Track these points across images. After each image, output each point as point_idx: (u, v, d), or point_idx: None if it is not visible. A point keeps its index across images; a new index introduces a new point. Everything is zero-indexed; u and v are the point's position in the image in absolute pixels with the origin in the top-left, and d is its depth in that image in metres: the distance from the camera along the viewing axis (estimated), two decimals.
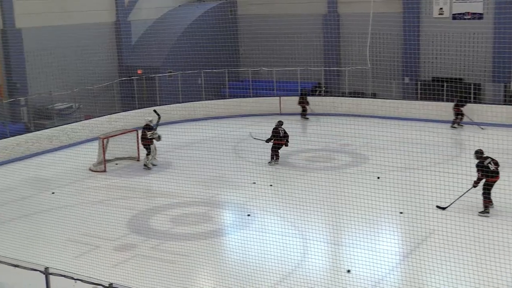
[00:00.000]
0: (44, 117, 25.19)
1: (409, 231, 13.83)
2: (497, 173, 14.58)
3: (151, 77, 28.51)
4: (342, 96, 28.10)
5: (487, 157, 14.76)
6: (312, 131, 23.69)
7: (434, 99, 25.63)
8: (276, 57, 30.15)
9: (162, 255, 13.52)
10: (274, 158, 20.33)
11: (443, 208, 14.77)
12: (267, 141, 20.46)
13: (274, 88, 29.27)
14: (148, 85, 28.53)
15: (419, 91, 26.95)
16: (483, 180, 14.56)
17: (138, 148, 21.46)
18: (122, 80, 28.56)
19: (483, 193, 14.59)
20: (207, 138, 22.62)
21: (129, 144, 21.46)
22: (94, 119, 25.26)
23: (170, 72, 29.17)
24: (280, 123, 20.65)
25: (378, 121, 24.96)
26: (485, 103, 25.24)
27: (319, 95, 29.01)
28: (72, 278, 9.30)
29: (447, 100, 24.96)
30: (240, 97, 28.88)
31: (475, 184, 14.59)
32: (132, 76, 28.37)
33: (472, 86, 25.33)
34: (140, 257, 13.36)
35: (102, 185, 19.03)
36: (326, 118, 25.45)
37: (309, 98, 27.78)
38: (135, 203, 16.96)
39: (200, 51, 29.38)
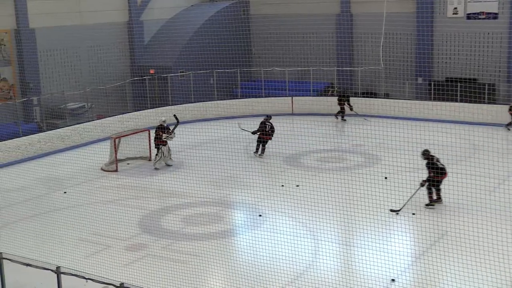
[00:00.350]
0: (56, 117, 25.35)
1: (421, 233, 13.78)
2: (445, 170, 15.51)
3: (163, 76, 28.60)
4: (355, 96, 28.02)
5: (434, 156, 15.66)
6: (324, 132, 23.63)
7: (448, 100, 25.49)
8: (289, 57, 30.15)
9: (173, 255, 13.55)
10: (259, 151, 21.15)
11: (397, 212, 14.94)
12: (253, 133, 21.37)
13: (286, 88, 29.26)
14: (160, 84, 28.62)
15: (432, 92, 26.82)
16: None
17: (150, 148, 21.53)
18: (134, 79, 28.68)
19: (429, 190, 15.43)
20: (218, 138, 22.62)
21: (141, 144, 21.54)
22: (106, 118, 25.38)
23: (182, 72, 29.24)
24: (268, 118, 21.56)
25: (390, 121, 24.84)
26: (499, 104, 25.08)
27: (332, 95, 28.95)
28: (84, 278, 9.35)
29: (461, 101, 24.81)
30: (252, 97, 28.90)
31: (423, 183, 15.33)
32: (144, 76, 28.48)
33: (486, 87, 25.18)
34: (151, 257, 13.41)
35: (113, 184, 19.11)
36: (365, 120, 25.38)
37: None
38: (146, 203, 17.02)
39: (212, 51, 29.40)
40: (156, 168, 20.28)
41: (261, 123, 21.46)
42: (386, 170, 18.06)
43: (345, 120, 26.82)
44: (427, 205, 15.45)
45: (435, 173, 15.24)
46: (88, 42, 28.16)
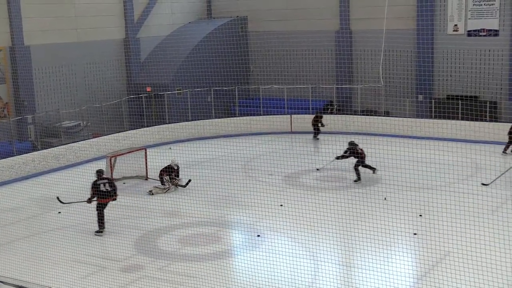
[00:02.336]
0: (51, 135, 25.39)
1: (423, 253, 13.75)
2: None
3: (160, 94, 28.69)
4: (354, 114, 28.09)
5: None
6: (323, 150, 23.66)
7: (449, 118, 25.54)
8: (287, 74, 30.28)
9: (170, 277, 13.50)
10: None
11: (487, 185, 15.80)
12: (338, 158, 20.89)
13: (285, 106, 29.34)
14: (157, 102, 28.70)
15: (433, 109, 26.90)
16: None
17: (146, 166, 21.53)
18: (130, 97, 28.76)
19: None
20: (216, 157, 22.67)
21: (137, 163, 21.54)
22: (102, 137, 25.41)
23: (179, 90, 29.33)
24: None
25: (391, 140, 24.90)
26: (501, 122, 25.15)
27: (331, 113, 29.03)
28: None
29: (462, 119, 24.88)
30: (250, 115, 28.97)
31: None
32: (140, 94, 28.57)
33: (488, 104, 25.27)
34: (147, 279, 13.36)
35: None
36: (338, 136, 25.44)
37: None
38: (142, 223, 16.98)
39: (210, 69, 29.56)
40: (150, 193, 20.06)
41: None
42: (386, 189, 18.07)
43: (318, 139, 26.89)
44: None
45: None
46: (84, 60, 28.28)
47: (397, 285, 12.17)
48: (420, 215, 15.46)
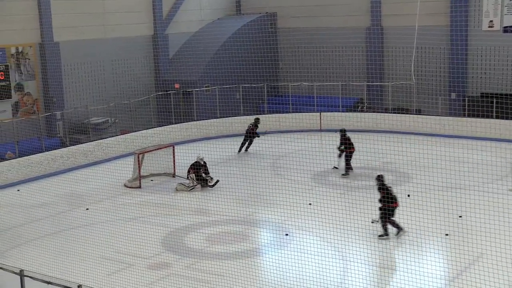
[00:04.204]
0: (79, 132, 25.66)
1: (455, 254, 13.58)
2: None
3: (189, 91, 28.79)
4: (385, 112, 27.86)
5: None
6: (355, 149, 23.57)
7: (483, 116, 25.19)
8: (317, 71, 30.15)
9: (197, 275, 13.55)
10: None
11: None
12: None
13: (314, 103, 29.23)
14: (185, 99, 28.81)
15: (466, 108, 26.56)
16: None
17: (174, 164, 21.63)
18: (158, 94, 28.93)
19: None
20: (244, 155, 22.69)
21: (165, 160, 21.64)
22: (130, 134, 25.57)
23: (208, 87, 29.40)
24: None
25: (422, 138, 24.64)
26: None
27: (361, 111, 28.84)
28: None
29: (497, 117, 24.53)
30: (280, 112, 28.91)
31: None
32: (169, 91, 28.71)
33: None
34: (174, 276, 13.42)
35: (136, 201, 19.22)
36: (368, 135, 25.29)
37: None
38: (170, 221, 17.06)
39: (239, 65, 29.55)
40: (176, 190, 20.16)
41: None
42: (418, 188, 17.90)
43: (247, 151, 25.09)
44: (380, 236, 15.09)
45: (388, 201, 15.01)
46: (112, 56, 28.52)
47: (428, 287, 12.05)
48: (460, 216, 15.29)
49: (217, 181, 20.10)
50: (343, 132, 21.08)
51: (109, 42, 28.29)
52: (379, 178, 15.46)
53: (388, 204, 14.79)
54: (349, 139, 21.01)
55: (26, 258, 14.27)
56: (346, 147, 20.90)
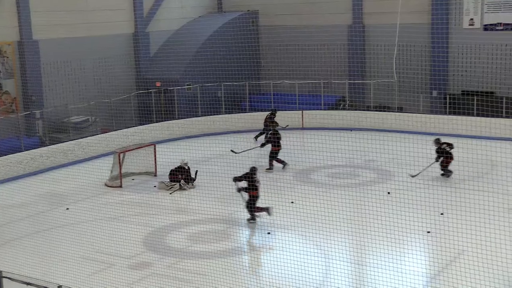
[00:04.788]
0: (59, 131, 25.47)
1: (437, 251, 13.69)
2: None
3: (170, 90, 28.71)
4: (367, 110, 27.99)
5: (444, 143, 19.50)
6: (334, 146, 23.62)
7: (464, 114, 25.40)
8: (299, 69, 30.20)
9: (178, 274, 13.52)
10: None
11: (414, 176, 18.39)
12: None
13: (296, 101, 29.28)
14: (166, 98, 28.73)
15: (447, 105, 26.77)
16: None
17: (155, 163, 21.57)
18: (139, 92, 28.80)
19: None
20: (226, 153, 22.67)
21: (146, 159, 21.57)
22: (110, 133, 25.45)
23: (189, 85, 29.34)
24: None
25: (404, 136, 24.77)
26: None
27: (343, 109, 28.95)
28: None
29: (478, 115, 24.75)
30: (261, 110, 28.92)
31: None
32: (150, 89, 28.60)
33: (504, 100, 25.09)
34: (155, 276, 13.39)
35: (117, 201, 19.14)
36: (350, 132, 25.39)
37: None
38: (151, 220, 17.02)
39: (220, 63, 29.53)
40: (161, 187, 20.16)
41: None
42: (399, 186, 18.01)
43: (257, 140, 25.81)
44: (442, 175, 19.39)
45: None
46: (92, 54, 28.34)
47: (410, 284, 12.13)
48: (442, 214, 15.41)
49: (196, 171, 20.05)
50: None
51: (90, 40, 28.10)
52: (253, 170, 16.78)
53: (252, 192, 16.31)
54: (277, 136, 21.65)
55: (5, 259, 14.16)
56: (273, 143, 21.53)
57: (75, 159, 23.75)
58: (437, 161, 19.59)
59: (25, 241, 15.73)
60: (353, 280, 13.19)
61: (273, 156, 21.62)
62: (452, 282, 11.92)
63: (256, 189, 16.42)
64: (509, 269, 11.53)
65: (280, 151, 21.70)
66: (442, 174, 19.73)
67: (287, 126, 26.25)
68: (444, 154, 19.53)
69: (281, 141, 21.76)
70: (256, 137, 25.61)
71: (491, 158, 20.68)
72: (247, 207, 16.44)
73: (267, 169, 21.27)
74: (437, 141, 19.87)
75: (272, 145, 21.72)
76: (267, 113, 26.09)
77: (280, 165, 21.65)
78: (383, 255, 13.69)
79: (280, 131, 22.55)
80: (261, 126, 25.95)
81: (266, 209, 16.28)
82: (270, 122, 25.21)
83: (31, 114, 25.41)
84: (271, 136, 21.86)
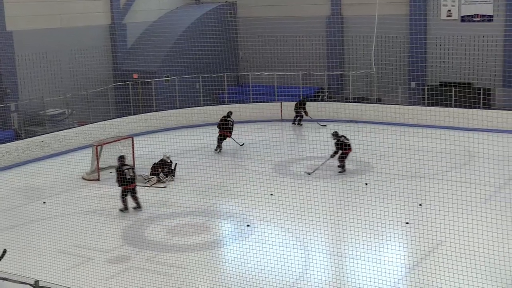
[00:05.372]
0: (35, 124, 25.23)
1: (415, 242, 13.82)
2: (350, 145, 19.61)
3: (147, 81, 28.57)
4: (346, 101, 28.10)
5: (342, 136, 19.75)
6: (313, 138, 23.72)
7: (442, 105, 25.61)
8: (277, 61, 30.21)
9: (157, 267, 13.51)
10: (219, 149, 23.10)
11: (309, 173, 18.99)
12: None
13: (275, 93, 29.30)
14: (144, 90, 28.58)
15: (426, 96, 26.97)
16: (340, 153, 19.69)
17: (133, 155, 21.46)
18: (117, 85, 28.61)
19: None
20: (205, 145, 22.64)
21: (124, 152, 21.40)
22: (87, 125, 25.29)
23: (167, 77, 29.21)
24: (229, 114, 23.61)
25: (383, 127, 24.92)
26: (495, 109, 25.24)
27: (322, 100, 29.04)
28: None
29: (455, 106, 24.96)
30: (240, 102, 28.92)
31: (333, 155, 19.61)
32: (127, 81, 28.44)
33: (481, 91, 25.34)
34: (134, 270, 13.35)
35: (95, 194, 19.03)
36: (329, 124, 25.49)
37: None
38: (129, 213, 16.96)
39: (198, 55, 29.44)
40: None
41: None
42: (379, 177, 18.15)
43: (302, 124, 27.27)
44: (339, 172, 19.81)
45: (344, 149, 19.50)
46: (68, 46, 28.08)
47: (389, 275, 12.23)
48: (420, 205, 15.54)
49: (175, 164, 20.02)
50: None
51: (65, 31, 27.83)
52: (120, 159, 17.36)
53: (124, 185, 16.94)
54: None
55: None
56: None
57: (52, 152, 23.56)
58: (333, 156, 19.69)
59: (1, 236, 15.58)
60: (332, 272, 13.27)
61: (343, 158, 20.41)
62: (430, 272, 12.06)
63: (128, 182, 16.85)
64: (487, 258, 11.68)
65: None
66: (339, 168, 19.98)
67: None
68: (343, 147, 19.59)
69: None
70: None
71: (469, 149, 20.88)
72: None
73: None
74: (335, 134, 19.94)
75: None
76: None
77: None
78: (362, 246, 13.79)
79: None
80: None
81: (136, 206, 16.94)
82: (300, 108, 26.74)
83: (6, 107, 25.14)
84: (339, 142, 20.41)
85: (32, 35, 26.60)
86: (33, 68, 26.76)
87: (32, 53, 26.77)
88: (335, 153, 19.77)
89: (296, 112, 27.44)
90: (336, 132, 20.05)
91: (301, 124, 27.43)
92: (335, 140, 19.81)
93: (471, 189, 14.05)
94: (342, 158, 19.95)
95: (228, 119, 23.52)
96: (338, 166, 20.12)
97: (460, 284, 11.15)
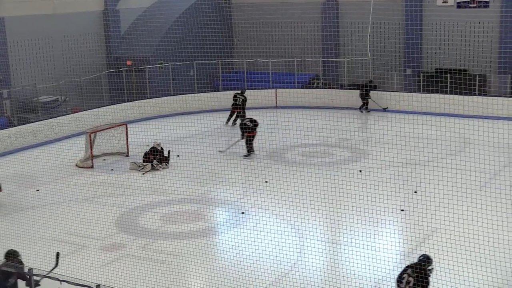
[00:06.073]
0: (28, 111, 25.13)
1: (410, 229, 13.86)
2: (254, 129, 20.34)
3: (141, 68, 28.45)
4: (341, 88, 28.07)
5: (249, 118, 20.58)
6: (309, 125, 23.72)
7: (438, 92, 25.63)
8: (272, 47, 30.13)
9: (152, 255, 13.52)
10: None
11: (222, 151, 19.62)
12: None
13: (270, 80, 29.25)
14: (137, 77, 28.48)
15: (421, 83, 26.97)
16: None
17: (127, 143, 21.44)
18: (110, 71, 28.49)
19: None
20: (199, 133, 22.61)
21: (118, 139, 21.42)
22: (81, 112, 25.21)
23: (161, 63, 29.10)
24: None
25: (378, 114, 24.97)
26: (490, 96, 25.27)
27: (317, 87, 28.99)
28: (58, 280, 9.29)
29: (451, 93, 24.97)
30: (234, 89, 28.84)
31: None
32: (121, 68, 28.32)
33: (477, 78, 25.35)
34: (129, 257, 13.37)
35: (89, 181, 19.01)
36: (324, 111, 25.47)
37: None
38: (123, 201, 16.95)
39: (193, 41, 29.30)
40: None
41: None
42: (374, 165, 18.17)
43: (369, 111, 26.63)
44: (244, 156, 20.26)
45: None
46: (61, 32, 27.91)
47: (384, 262, 12.29)
48: (415, 192, 15.58)
49: (169, 151, 20.02)
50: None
51: (58, 18, 27.65)
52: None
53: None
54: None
55: None
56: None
57: (45, 139, 23.47)
58: (242, 138, 20.54)
59: None
60: (327, 259, 13.31)
61: None
62: None
63: None
64: (482, 245, 11.73)
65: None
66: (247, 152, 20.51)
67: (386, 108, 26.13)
68: (247, 130, 20.29)
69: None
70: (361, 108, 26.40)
71: (464, 136, 20.93)
72: None
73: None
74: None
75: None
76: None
77: None
78: (357, 233, 13.83)
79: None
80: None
81: None
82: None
83: None
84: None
85: (24, 21, 26.41)
86: (25, 55, 26.59)
87: (25, 39, 26.60)
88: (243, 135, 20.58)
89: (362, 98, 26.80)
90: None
91: (369, 111, 26.71)
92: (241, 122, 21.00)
93: (467, 176, 14.09)
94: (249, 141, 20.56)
95: (238, 95, 24.13)
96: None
97: (455, 270, 11.20)
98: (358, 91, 26.91)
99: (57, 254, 9.99)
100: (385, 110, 25.95)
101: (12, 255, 10.44)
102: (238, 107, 24.40)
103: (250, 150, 20.43)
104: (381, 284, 11.69)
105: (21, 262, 10.46)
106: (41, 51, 27.22)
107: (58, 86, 25.90)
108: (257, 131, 20.56)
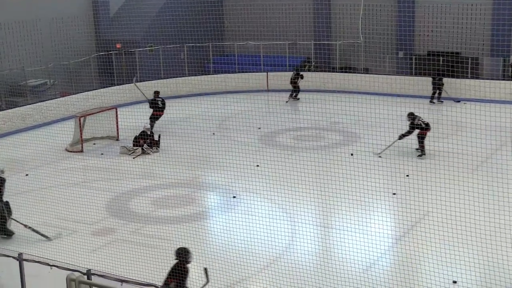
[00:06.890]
0: (16, 94, 24.97)
1: (402, 213, 13.91)
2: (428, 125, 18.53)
3: (131, 51, 28.31)
4: (333, 71, 28.03)
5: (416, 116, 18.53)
6: (300, 108, 23.74)
7: (430, 75, 25.64)
8: (263, 30, 29.99)
9: (142, 240, 13.52)
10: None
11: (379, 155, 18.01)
12: None
13: (261, 63, 29.17)
14: (127, 60, 28.33)
15: (413, 66, 26.96)
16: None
17: (117, 127, 21.36)
18: (99, 54, 28.33)
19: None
20: (190, 116, 22.55)
21: (108, 123, 21.34)
22: (70, 96, 25.08)
23: (151, 46, 28.95)
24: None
25: (370, 97, 24.86)
26: (483, 79, 25.31)
27: (309, 70, 28.95)
28: (48, 264, 9.26)
29: (444, 75, 24.98)
30: (225, 72, 28.77)
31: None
32: (110, 51, 28.14)
33: (469, 61, 25.37)
34: (119, 242, 13.37)
35: (79, 166, 18.96)
36: (315, 94, 25.46)
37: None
38: (114, 185, 16.91)
39: (183, 24, 29.10)
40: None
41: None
42: (366, 148, 18.19)
43: (442, 102, 25.40)
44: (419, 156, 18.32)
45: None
46: (49, 14, 27.66)
47: (376, 246, 12.34)
48: (407, 175, 15.62)
49: (159, 135, 19.93)
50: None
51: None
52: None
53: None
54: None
55: None
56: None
57: (34, 123, 23.36)
58: (402, 138, 18.43)
59: None
60: (319, 243, 13.35)
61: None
62: (417, 243, 12.17)
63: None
64: (473, 228, 11.77)
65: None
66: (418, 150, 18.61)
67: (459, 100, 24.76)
68: (421, 127, 18.32)
69: None
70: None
71: (457, 119, 20.96)
72: None
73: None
74: (411, 115, 18.69)
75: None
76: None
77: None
78: (349, 217, 13.85)
79: None
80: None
81: None
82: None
83: None
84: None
85: (10, 3, 26.16)
86: (12, 37, 26.34)
87: (11, 21, 26.34)
88: (408, 133, 18.43)
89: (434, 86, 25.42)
90: (412, 112, 18.70)
91: (298, 98, 26.81)
92: (410, 121, 18.57)
93: (458, 159, 14.14)
94: (421, 139, 18.55)
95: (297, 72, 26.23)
96: (417, 149, 18.68)
97: (447, 254, 11.26)
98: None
99: (205, 270, 9.74)
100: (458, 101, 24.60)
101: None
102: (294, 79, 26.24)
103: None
104: (373, 268, 11.74)
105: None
106: (29, 34, 26.99)
107: (46, 69, 25.74)
108: None
